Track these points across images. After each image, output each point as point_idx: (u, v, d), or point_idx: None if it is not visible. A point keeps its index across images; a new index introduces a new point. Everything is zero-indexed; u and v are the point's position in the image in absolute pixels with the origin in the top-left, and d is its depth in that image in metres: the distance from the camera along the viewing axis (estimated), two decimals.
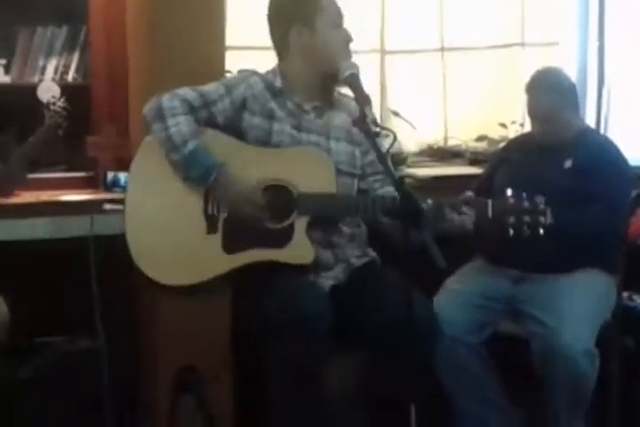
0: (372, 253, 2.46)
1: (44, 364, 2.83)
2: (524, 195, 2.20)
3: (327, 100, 2.41)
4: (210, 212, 2.32)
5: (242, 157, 2.30)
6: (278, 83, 2.37)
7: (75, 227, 2.84)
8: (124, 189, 2.85)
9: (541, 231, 2.18)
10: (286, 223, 2.28)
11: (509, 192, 2.22)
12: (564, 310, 2.62)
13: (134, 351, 2.93)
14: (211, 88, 2.34)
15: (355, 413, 2.45)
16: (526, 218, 2.19)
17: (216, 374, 2.67)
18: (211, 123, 2.32)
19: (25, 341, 2.75)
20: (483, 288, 2.78)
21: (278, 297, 2.15)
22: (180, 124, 2.26)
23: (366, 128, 2.10)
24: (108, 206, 2.77)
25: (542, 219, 2.18)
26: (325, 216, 2.32)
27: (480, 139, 3.58)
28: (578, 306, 2.64)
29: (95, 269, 2.73)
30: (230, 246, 2.29)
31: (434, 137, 3.60)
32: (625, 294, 2.98)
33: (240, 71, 2.77)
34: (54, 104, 2.74)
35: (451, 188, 2.87)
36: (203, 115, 2.31)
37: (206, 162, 2.26)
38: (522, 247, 2.61)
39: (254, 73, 2.42)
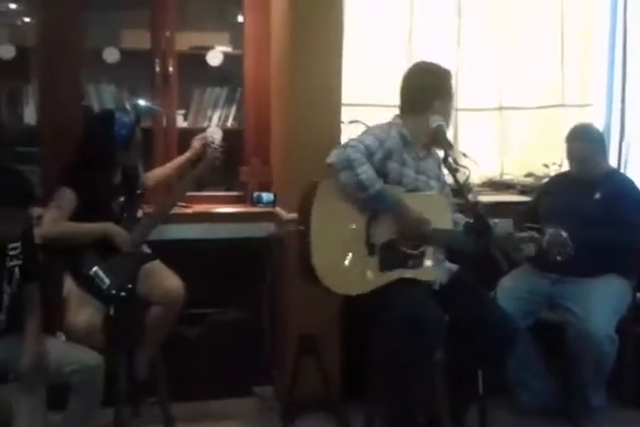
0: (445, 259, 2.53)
1: (207, 328, 3.04)
2: (558, 232, 2.39)
3: (428, 150, 2.55)
4: (370, 241, 2.39)
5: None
6: (408, 135, 2.45)
7: (229, 230, 3.08)
8: (265, 204, 3.19)
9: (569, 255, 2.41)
10: (421, 250, 2.41)
11: (550, 231, 2.40)
12: (591, 305, 2.75)
13: (271, 322, 3.12)
14: (369, 141, 2.39)
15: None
16: (562, 249, 2.39)
17: (329, 341, 2.85)
18: None
19: (194, 311, 2.91)
20: (529, 286, 2.90)
21: (406, 297, 2.29)
22: (368, 171, 2.34)
23: (449, 165, 2.28)
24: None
25: (569, 249, 2.39)
26: (444, 245, 2.45)
27: (528, 175, 3.64)
28: (602, 302, 2.76)
29: (247, 262, 2.93)
30: (384, 266, 2.38)
31: (492, 173, 3.66)
32: (638, 295, 3.03)
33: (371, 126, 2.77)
34: (213, 143, 2.89)
35: (505, 211, 3.03)
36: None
37: (391, 197, 2.37)
38: None
39: (392, 125, 2.48)
